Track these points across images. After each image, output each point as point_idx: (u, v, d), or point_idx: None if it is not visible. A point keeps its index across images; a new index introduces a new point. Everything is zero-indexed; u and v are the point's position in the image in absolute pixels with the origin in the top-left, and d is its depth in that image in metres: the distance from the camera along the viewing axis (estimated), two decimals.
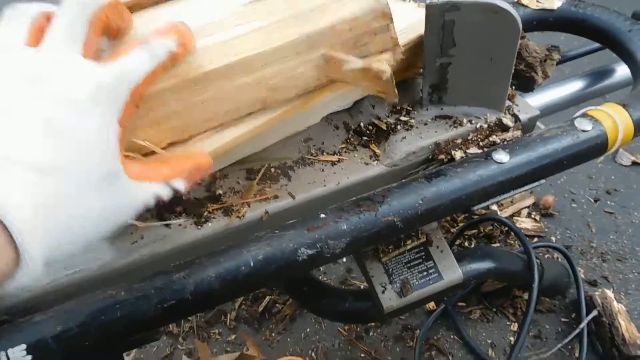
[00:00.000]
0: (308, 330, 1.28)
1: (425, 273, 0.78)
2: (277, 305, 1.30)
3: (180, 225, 0.63)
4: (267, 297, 1.30)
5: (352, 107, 0.75)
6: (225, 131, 0.59)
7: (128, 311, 0.53)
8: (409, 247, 0.80)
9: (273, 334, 1.27)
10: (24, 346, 0.51)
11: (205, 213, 0.64)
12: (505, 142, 0.69)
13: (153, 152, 0.55)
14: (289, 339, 1.27)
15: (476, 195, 0.62)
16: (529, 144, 0.64)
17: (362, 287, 1.36)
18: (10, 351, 0.50)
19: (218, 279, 0.55)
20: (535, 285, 0.96)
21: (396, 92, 0.61)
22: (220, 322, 1.28)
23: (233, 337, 1.26)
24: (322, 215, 0.59)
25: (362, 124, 0.73)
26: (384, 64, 0.57)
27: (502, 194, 0.65)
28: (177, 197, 0.65)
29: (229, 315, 1.29)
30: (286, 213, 0.65)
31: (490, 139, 0.71)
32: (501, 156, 0.63)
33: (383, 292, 0.76)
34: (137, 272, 0.61)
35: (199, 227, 0.63)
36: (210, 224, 0.63)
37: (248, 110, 0.59)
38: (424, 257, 0.79)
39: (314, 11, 0.58)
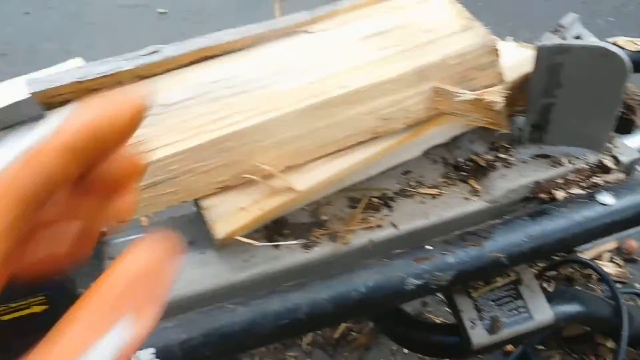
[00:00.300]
0: None
1: (515, 312, 0.78)
2: (352, 333, 1.32)
3: (288, 247, 0.66)
4: (343, 325, 1.31)
5: (450, 142, 0.77)
6: (337, 159, 0.62)
7: (246, 326, 0.57)
8: (499, 284, 0.80)
9: None
10: (153, 350, 0.55)
11: (312, 237, 0.67)
12: (609, 184, 0.70)
13: (271, 175, 0.59)
14: None
15: (581, 236, 0.63)
16: (635, 188, 0.65)
17: (438, 320, 1.35)
18: (141, 352, 0.55)
19: (331, 302, 0.58)
20: (625, 333, 0.94)
21: (506, 122, 0.63)
22: (296, 346, 1.31)
23: None
24: (429, 247, 0.62)
25: (460, 159, 0.75)
26: (496, 95, 0.59)
27: (606, 236, 0.66)
28: (283, 221, 0.69)
29: (304, 339, 1.31)
30: (389, 242, 0.68)
31: (592, 180, 0.71)
32: (606, 198, 0.64)
33: (472, 327, 0.77)
34: (248, 288, 0.65)
35: (307, 250, 0.66)
36: (317, 248, 0.66)
37: (360, 139, 0.62)
38: (514, 295, 0.79)
39: (425, 46, 0.61)
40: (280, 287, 0.60)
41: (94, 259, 0.63)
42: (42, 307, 0.53)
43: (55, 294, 0.52)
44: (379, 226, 0.68)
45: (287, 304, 0.58)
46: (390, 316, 0.95)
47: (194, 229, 0.69)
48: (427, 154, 0.76)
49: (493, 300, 0.79)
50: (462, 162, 0.75)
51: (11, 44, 2.37)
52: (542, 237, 0.62)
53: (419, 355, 1.27)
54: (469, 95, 0.58)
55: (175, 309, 0.62)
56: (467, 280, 0.62)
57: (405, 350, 1.32)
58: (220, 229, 0.59)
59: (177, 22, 2.39)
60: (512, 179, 0.71)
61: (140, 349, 0.55)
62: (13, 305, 0.51)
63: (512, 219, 0.63)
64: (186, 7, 2.46)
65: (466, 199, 0.71)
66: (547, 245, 0.62)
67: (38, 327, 0.54)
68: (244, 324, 0.57)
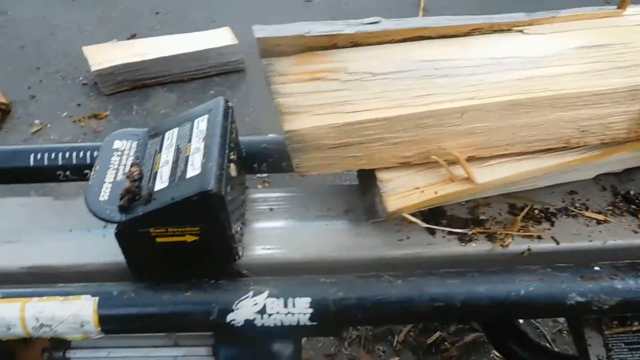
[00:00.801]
0: None
1: None
2: (446, 343, 1.31)
3: (444, 237, 0.67)
4: (438, 333, 1.30)
5: (622, 172, 0.75)
6: (522, 161, 0.62)
7: (402, 300, 0.58)
8: (634, 328, 0.76)
9: None
10: (309, 299, 0.58)
11: (470, 233, 0.67)
12: None
13: (455, 162, 0.60)
14: None
15: None
16: None
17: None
18: (297, 300, 0.57)
19: (487, 297, 0.58)
20: None
21: None
22: (386, 341, 1.31)
23: (396, 358, 1.29)
24: (596, 268, 0.60)
25: (632, 192, 0.72)
26: None
27: None
28: (441, 210, 0.69)
29: (396, 337, 1.31)
30: (547, 255, 0.66)
31: None
32: None
33: None
34: (400, 267, 0.66)
35: (463, 244, 0.66)
36: (474, 244, 0.66)
37: (551, 145, 0.61)
38: None
39: None
40: (439, 271, 0.60)
41: (242, 206, 0.67)
42: (194, 238, 0.56)
43: (209, 229, 0.56)
44: (539, 237, 0.67)
45: (445, 289, 0.58)
46: (508, 333, 0.93)
47: (348, 199, 0.72)
48: (597, 179, 0.74)
49: (625, 343, 0.75)
50: (633, 195, 0.72)
51: (165, 4, 2.53)
52: None
53: None
54: None
55: (328, 270, 0.65)
56: (630, 310, 0.59)
57: None
58: (393, 203, 0.60)
59: (321, 11, 2.46)
60: None
61: (297, 296, 0.57)
62: (171, 229, 0.55)
63: None
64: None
65: (634, 232, 0.68)
66: None
67: (185, 255, 0.58)
68: (400, 297, 0.58)
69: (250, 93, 2.00)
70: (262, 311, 0.56)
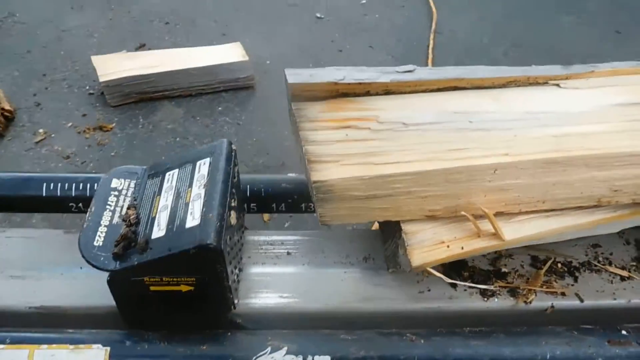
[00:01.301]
0: None
1: None
2: None
3: (465, 290, 0.65)
4: None
5: None
6: (550, 218, 0.60)
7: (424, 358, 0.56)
8: None
9: None
10: (328, 358, 0.56)
11: (492, 287, 0.65)
12: None
13: (483, 217, 0.58)
14: None
15: None
16: None
17: None
18: (317, 357, 0.55)
19: None
20: None
21: None
22: None
23: None
24: (624, 332, 0.58)
25: None
26: None
27: None
28: (462, 262, 0.68)
29: None
30: (570, 313, 0.65)
31: None
32: None
33: None
34: (419, 321, 0.64)
35: (485, 299, 0.64)
36: (496, 300, 0.64)
37: (581, 203, 0.60)
38: None
39: None
40: (462, 331, 0.59)
41: (240, 250, 0.65)
42: (189, 288, 0.54)
43: (206, 281, 0.54)
44: (563, 294, 0.65)
45: (469, 350, 0.56)
46: None
47: (368, 245, 0.70)
48: (621, 233, 0.72)
49: None
50: None
51: (175, 14, 2.52)
52: None
53: None
54: None
55: (347, 321, 0.63)
56: None
57: None
58: (418, 256, 0.58)
59: (330, 28, 2.45)
60: None
61: (317, 354, 0.56)
62: (166, 279, 0.54)
63: None
64: (343, 17, 2.52)
65: None
66: None
67: (179, 304, 0.56)
68: (423, 358, 0.56)
69: (258, 110, 1.99)
70: None
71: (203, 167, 0.59)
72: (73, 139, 1.87)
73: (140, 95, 1.99)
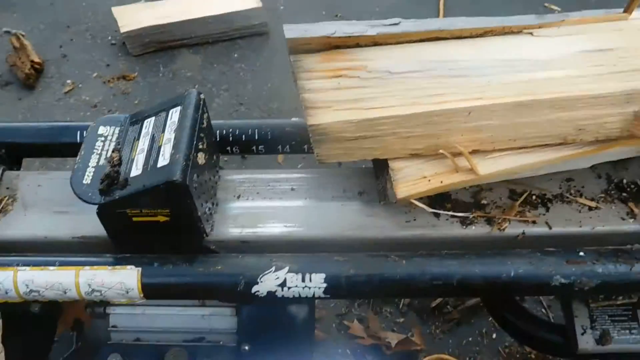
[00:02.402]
0: (470, 339, 1.36)
1: (627, 331, 0.81)
2: (448, 306, 1.40)
3: (447, 220, 0.74)
4: (441, 297, 1.40)
5: (618, 162, 0.80)
6: (522, 155, 0.68)
7: (406, 277, 0.66)
8: (619, 302, 0.84)
9: (437, 331, 1.37)
10: (323, 275, 0.66)
11: (471, 217, 0.74)
12: None
13: (460, 154, 0.66)
14: (450, 340, 1.36)
15: None
16: None
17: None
18: (314, 275, 0.66)
19: (481, 277, 0.65)
20: None
21: None
22: (393, 303, 1.41)
23: (402, 320, 1.38)
24: (581, 254, 0.67)
25: (625, 180, 0.78)
26: None
27: None
28: (446, 195, 0.76)
29: (402, 300, 1.41)
30: (539, 239, 0.73)
31: None
32: None
33: (582, 334, 0.81)
34: (404, 246, 0.73)
35: (464, 227, 0.73)
36: (474, 227, 0.73)
37: (549, 141, 0.67)
38: (630, 316, 0.82)
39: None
40: (439, 253, 0.68)
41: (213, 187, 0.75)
42: (165, 218, 0.64)
43: (178, 212, 0.64)
44: (534, 222, 0.73)
45: (444, 269, 0.66)
46: (504, 302, 1.01)
47: (364, 181, 0.79)
48: (594, 167, 0.80)
49: (609, 315, 0.83)
50: (626, 184, 0.78)
51: None
52: None
53: (506, 342, 1.33)
54: None
55: (342, 247, 0.73)
56: (608, 292, 0.67)
57: (494, 335, 1.38)
58: (403, 190, 0.67)
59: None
60: None
61: (314, 272, 0.66)
62: (145, 211, 0.64)
63: None
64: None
65: (622, 219, 0.75)
66: None
67: (158, 232, 0.66)
68: (404, 275, 0.66)
69: (273, 57, 2.05)
70: (283, 284, 0.64)
71: (174, 115, 0.68)
72: (99, 88, 1.96)
73: (160, 44, 2.06)
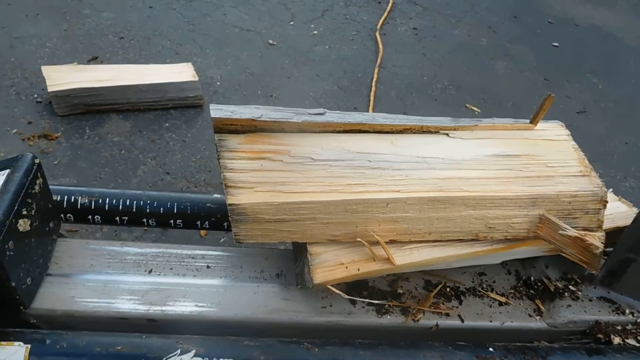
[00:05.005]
0: None
1: None
2: None
3: (363, 307, 0.73)
4: None
5: (526, 259, 0.84)
6: (436, 248, 0.70)
7: None
8: None
9: None
10: None
11: (386, 305, 0.74)
12: None
13: (377, 244, 0.67)
14: None
15: None
16: None
17: None
18: None
19: None
20: None
21: (598, 265, 0.69)
22: None
23: None
24: (491, 349, 0.68)
25: (532, 278, 0.81)
26: (597, 240, 0.66)
27: None
28: (363, 282, 0.76)
29: None
30: (452, 331, 0.74)
31: None
32: None
33: None
34: (323, 332, 0.72)
35: (380, 316, 0.73)
36: (389, 317, 0.73)
37: (462, 237, 0.70)
38: None
39: (544, 179, 0.69)
40: (353, 342, 0.67)
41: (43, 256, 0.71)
42: None
43: None
44: (447, 314, 0.75)
45: (357, 359, 0.65)
46: None
47: (283, 263, 0.78)
48: (504, 263, 0.83)
49: None
50: (533, 281, 0.81)
51: (130, 30, 2.56)
52: None
53: None
54: (572, 232, 0.65)
55: (255, 330, 0.70)
56: None
57: None
58: (320, 275, 0.66)
59: (281, 56, 2.55)
60: (576, 312, 0.77)
61: (222, 357, 0.62)
62: None
63: (569, 347, 0.69)
64: (294, 46, 2.63)
65: (530, 315, 0.77)
66: None
67: None
68: None
69: (204, 129, 2.05)
70: None
71: (1, 177, 0.65)
72: (16, 145, 1.88)
73: (89, 107, 2.02)
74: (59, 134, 1.96)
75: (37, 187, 0.67)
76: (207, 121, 2.11)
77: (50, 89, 1.96)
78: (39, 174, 0.68)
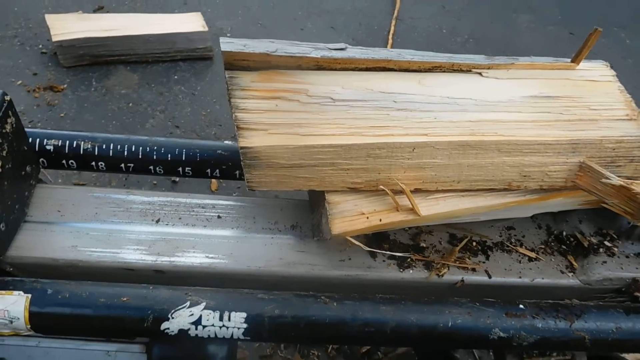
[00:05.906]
0: None
1: None
2: (378, 352, 1.34)
3: (384, 261, 0.69)
4: None
5: (559, 213, 0.78)
6: (464, 198, 0.65)
7: (336, 322, 0.59)
8: (553, 359, 0.81)
9: None
10: (244, 314, 0.59)
11: (409, 259, 0.69)
12: None
13: (401, 192, 0.62)
14: None
15: None
16: None
17: None
18: (233, 314, 0.58)
19: (417, 326, 0.60)
20: None
21: None
22: (322, 347, 1.34)
23: None
24: (521, 306, 0.63)
25: (564, 233, 0.76)
26: None
27: None
28: (384, 235, 0.72)
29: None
30: (478, 288, 0.70)
31: None
32: None
33: None
34: (340, 286, 0.67)
35: (401, 270, 0.68)
36: (411, 271, 0.68)
37: (493, 186, 0.64)
38: None
39: (587, 122, 0.63)
40: (374, 297, 0.62)
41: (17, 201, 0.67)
42: None
43: None
44: (473, 269, 0.70)
45: (378, 315, 0.60)
46: (438, 355, 0.96)
47: (298, 214, 0.73)
48: (534, 217, 0.78)
49: None
50: (565, 236, 0.76)
51: None
52: (632, 333, 0.62)
53: None
54: (616, 180, 0.59)
55: (269, 284, 0.66)
56: (546, 348, 0.63)
57: None
58: (338, 226, 0.62)
59: (294, 6, 2.45)
60: (612, 269, 0.72)
61: (234, 311, 0.58)
62: None
63: (605, 307, 0.64)
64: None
65: (561, 272, 0.72)
66: (632, 343, 0.63)
67: None
68: (334, 319, 0.59)
69: (214, 83, 1.99)
70: (197, 322, 0.56)
71: None
72: (21, 97, 1.83)
73: (95, 57, 1.96)
74: (65, 85, 1.91)
75: (8, 127, 0.62)
76: (217, 74, 2.05)
77: (54, 39, 1.90)
78: (10, 112, 0.62)
